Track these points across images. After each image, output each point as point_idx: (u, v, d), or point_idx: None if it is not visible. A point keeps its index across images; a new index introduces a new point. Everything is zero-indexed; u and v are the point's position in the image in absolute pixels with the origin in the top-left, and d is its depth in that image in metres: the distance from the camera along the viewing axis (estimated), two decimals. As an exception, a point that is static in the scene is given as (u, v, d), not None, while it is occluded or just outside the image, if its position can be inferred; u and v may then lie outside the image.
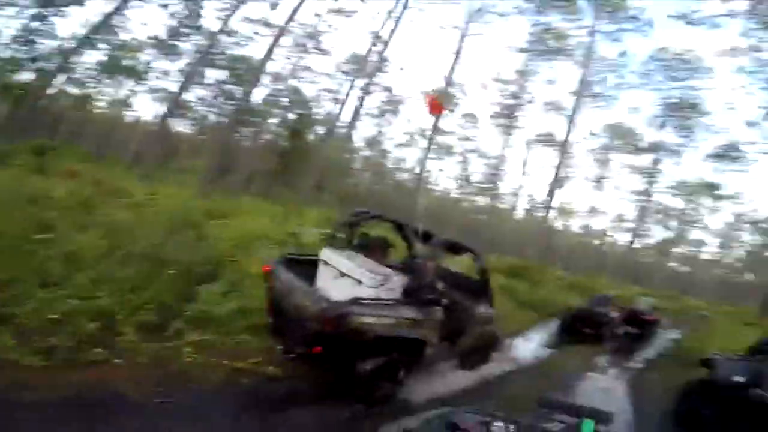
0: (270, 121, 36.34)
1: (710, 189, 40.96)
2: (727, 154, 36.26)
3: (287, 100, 37.28)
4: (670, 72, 31.43)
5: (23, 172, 7.55)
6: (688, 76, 30.89)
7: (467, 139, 46.33)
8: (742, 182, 63.10)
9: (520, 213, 45.57)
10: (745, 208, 44.30)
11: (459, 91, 39.09)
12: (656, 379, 7.49)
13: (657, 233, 48.48)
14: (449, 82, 28.74)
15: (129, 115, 34.22)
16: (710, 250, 51.18)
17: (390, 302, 3.87)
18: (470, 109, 44.67)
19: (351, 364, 3.69)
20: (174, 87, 26.17)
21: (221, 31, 23.69)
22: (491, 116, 41.47)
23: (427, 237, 4.37)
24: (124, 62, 24.64)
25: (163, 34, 28.17)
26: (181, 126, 38.74)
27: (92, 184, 7.25)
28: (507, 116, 36.80)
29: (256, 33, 32.33)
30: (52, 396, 2.81)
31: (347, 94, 21.77)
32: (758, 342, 5.40)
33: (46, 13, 19.14)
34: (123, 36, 24.19)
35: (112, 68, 23.93)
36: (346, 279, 3.95)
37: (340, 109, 22.07)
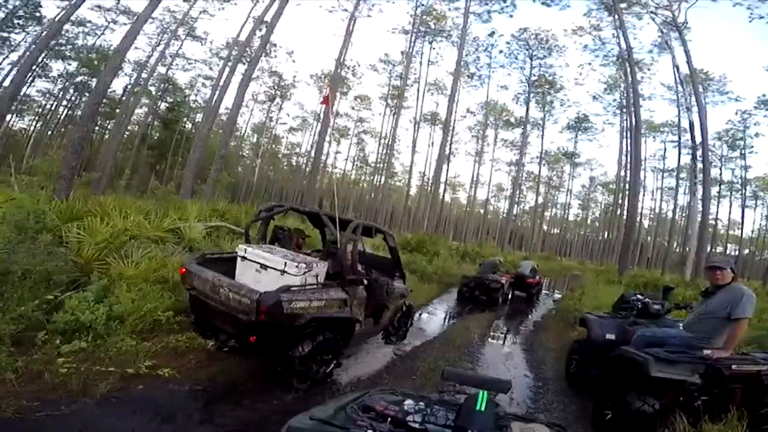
0: (137, 111, 32.69)
1: (569, 157, 47.83)
2: (579, 125, 42.66)
3: (155, 89, 33.74)
4: (531, 51, 35.39)
5: None
6: (545, 54, 35.11)
7: (361, 120, 47.02)
8: (592, 150, 74.81)
9: (413, 190, 47.88)
10: (596, 172, 52.99)
11: (350, 73, 39.30)
12: (546, 340, 8.03)
13: (530, 199, 55.40)
14: (339, 65, 28.63)
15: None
16: (574, 212, 60.18)
17: (317, 286, 4.13)
18: (361, 90, 45.29)
19: (286, 348, 3.92)
20: (6, 82, 22.04)
21: (67, 21, 20.34)
22: (380, 97, 42.64)
23: (343, 223, 4.61)
24: None
25: None
26: (23, 123, 33.07)
27: None
28: (395, 97, 38.00)
29: (113, 21, 28.79)
30: None
31: (228, 81, 20.42)
32: (619, 299, 5.49)
33: None
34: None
35: None
36: (269, 271, 4.14)
37: (221, 96, 20.63)
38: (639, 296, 5.17)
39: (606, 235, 47.62)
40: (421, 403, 1.55)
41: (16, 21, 25.74)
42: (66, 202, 6.71)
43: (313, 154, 33.38)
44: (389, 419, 1.39)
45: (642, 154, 26.61)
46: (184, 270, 4.29)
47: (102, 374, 3.42)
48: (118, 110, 30.56)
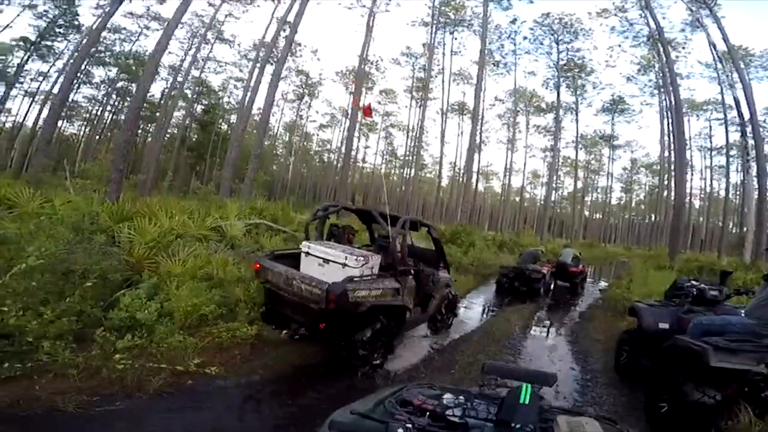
0: (175, 114, 34.05)
1: (606, 140, 45.78)
2: (615, 107, 40.73)
3: (191, 92, 35.00)
4: (556, 35, 34.04)
5: None
6: (571, 38, 33.71)
7: (387, 114, 46.88)
8: (631, 131, 71.16)
9: (444, 181, 47.33)
10: (638, 154, 50.42)
11: (373, 68, 39.24)
12: (592, 331, 7.68)
13: (568, 185, 53.47)
14: (363, 60, 28.64)
15: (5, 122, 30.28)
16: (616, 195, 57.66)
17: (374, 277, 4.55)
18: (386, 85, 45.12)
19: (349, 334, 4.36)
20: (56, 89, 23.55)
21: (104, 29, 21.45)
22: (405, 90, 42.26)
23: (393, 219, 4.94)
24: None
25: (33, 35, 25.13)
26: (73, 129, 35.13)
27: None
28: (420, 89, 37.56)
29: (146, 27, 30.00)
30: None
31: (258, 82, 20.87)
32: (672, 286, 5.29)
33: None
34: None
35: None
36: (331, 264, 4.58)
37: (252, 97, 21.13)
38: (694, 282, 4.93)
39: (653, 218, 45.29)
40: (461, 397, 1.52)
41: (57, 30, 27.25)
42: (116, 204, 7.08)
43: (343, 149, 33.64)
44: (428, 413, 1.37)
45: (686, 133, 25.04)
46: (258, 265, 4.76)
47: (154, 370, 3.59)
48: (158, 114, 31.93)
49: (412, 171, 41.99)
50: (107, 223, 6.13)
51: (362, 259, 4.48)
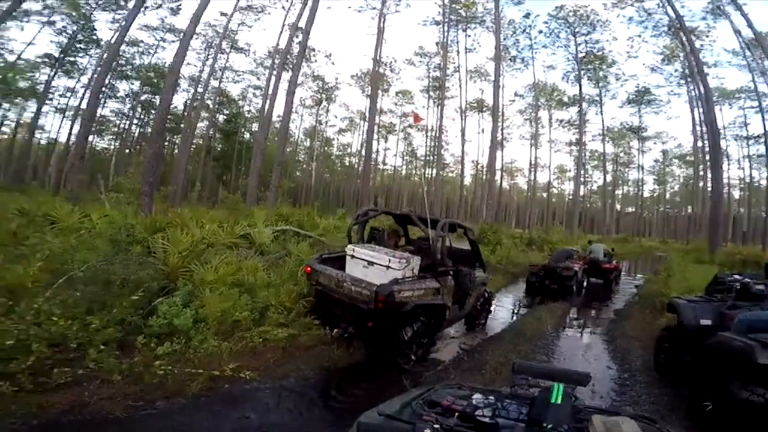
0: (199, 125, 34.88)
1: (634, 132, 44.28)
2: (641, 98, 39.38)
3: (212, 102, 35.84)
4: (573, 28, 33.24)
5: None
6: (589, 30, 32.85)
7: (404, 115, 46.75)
8: (660, 122, 68.49)
9: (467, 179, 46.82)
10: (669, 145, 48.49)
11: (387, 69, 39.24)
12: (629, 329, 7.43)
13: (597, 179, 51.89)
14: (376, 63, 28.77)
15: (41, 138, 31.70)
16: (649, 188, 55.63)
17: (416, 278, 4.82)
18: (402, 86, 45.02)
19: (395, 331, 4.57)
20: (84, 104, 24.43)
21: (123, 42, 22.32)
22: (421, 90, 42.06)
23: (433, 222, 5.27)
24: (19, 84, 22.70)
25: (56, 52, 26.06)
26: (104, 143, 36.35)
27: (17, 215, 6.77)
28: (436, 88, 37.29)
29: (162, 39, 30.71)
30: (33, 422, 2.82)
31: (276, 89, 21.26)
32: (712, 281, 5.18)
33: None
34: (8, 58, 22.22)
35: (5, 92, 22.05)
36: (375, 266, 4.83)
37: (271, 105, 21.54)
38: (737, 276, 4.78)
39: (689, 211, 43.45)
40: (491, 397, 1.48)
41: (77, 45, 28.27)
42: (150, 216, 7.35)
43: (363, 153, 33.82)
44: (456, 414, 1.35)
45: (719, 122, 23.96)
46: (309, 269, 5.15)
47: (192, 375, 3.72)
48: (182, 125, 32.84)
49: (434, 171, 41.74)
50: (142, 234, 6.37)
51: (404, 261, 4.74)
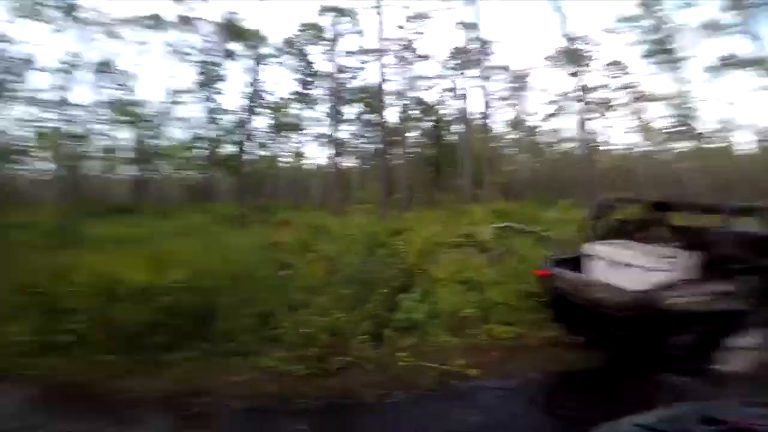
0: (408, 135, 37.96)
1: None
2: None
3: (417, 111, 38.45)
4: None
5: (255, 227, 10.14)
6: None
7: (625, 87, 38.93)
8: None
9: (743, 148, 35.31)
10: None
11: (582, 43, 33.64)
12: None
13: None
14: (568, 38, 25.52)
15: (307, 164, 40.45)
16: None
17: (689, 280, 3.98)
18: (609, 57, 37.68)
19: (661, 340, 3.88)
20: (326, 130, 29.47)
21: (339, 71, 26.47)
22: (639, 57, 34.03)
23: (711, 208, 4.44)
24: (283, 119, 29.52)
25: (298, 89, 32.51)
26: (348, 162, 43.33)
27: (304, 228, 9.05)
28: (661, 52, 29.30)
29: (363, 62, 34.40)
30: (316, 404, 3.62)
31: (467, 87, 21.52)
32: None
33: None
34: (269, 98, 28.19)
35: (278, 127, 29.07)
36: (629, 268, 4.18)
37: (466, 104, 21.90)
38: None
39: None
40: None
41: (308, 80, 33.93)
42: (387, 222, 8.59)
43: (580, 135, 30.14)
44: None
45: None
46: (547, 272, 4.66)
47: (426, 368, 4.11)
48: (398, 138, 36.50)
49: (688, 142, 33.08)
50: (383, 239, 7.51)
51: (670, 260, 4.03)
